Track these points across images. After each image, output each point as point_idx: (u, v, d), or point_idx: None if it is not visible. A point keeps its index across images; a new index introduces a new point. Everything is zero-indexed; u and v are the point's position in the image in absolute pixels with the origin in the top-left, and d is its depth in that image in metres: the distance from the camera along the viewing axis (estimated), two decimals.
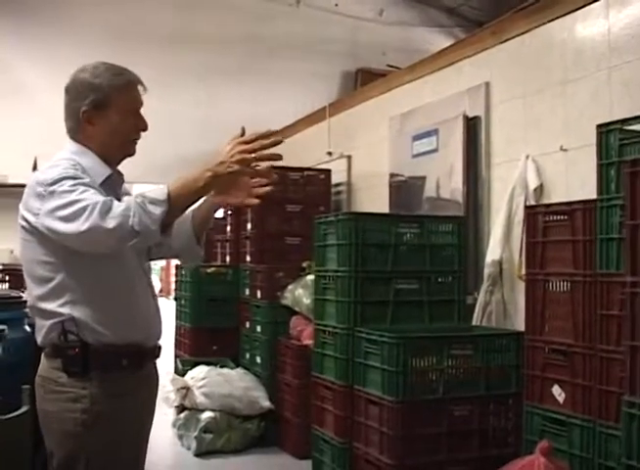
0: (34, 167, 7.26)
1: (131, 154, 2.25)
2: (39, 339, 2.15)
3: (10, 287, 4.79)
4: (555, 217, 3.13)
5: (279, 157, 2.00)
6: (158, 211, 1.88)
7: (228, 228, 6.35)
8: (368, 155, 5.87)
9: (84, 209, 1.88)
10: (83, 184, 1.97)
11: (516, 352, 3.46)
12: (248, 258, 5.81)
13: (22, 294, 4.14)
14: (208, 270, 6.09)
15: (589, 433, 2.88)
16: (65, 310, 2.06)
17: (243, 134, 2.00)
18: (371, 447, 3.42)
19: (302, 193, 5.89)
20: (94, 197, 1.91)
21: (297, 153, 6.91)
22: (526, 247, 3.26)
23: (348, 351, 3.64)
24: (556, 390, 3.07)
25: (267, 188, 2.14)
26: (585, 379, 2.91)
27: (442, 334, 3.57)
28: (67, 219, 1.91)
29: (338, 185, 6.17)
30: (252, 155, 1.95)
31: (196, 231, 2.30)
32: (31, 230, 2.05)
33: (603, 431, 2.80)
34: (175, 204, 1.92)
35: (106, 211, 1.86)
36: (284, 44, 7.80)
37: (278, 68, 7.85)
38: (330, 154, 6.35)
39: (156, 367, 2.40)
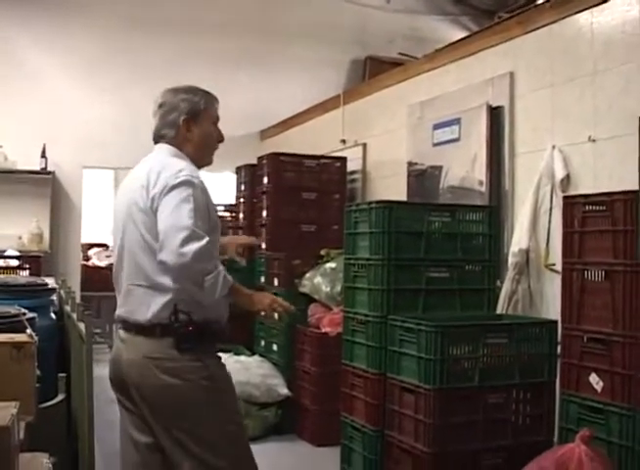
0: (43, 154, 7.24)
1: (211, 162, 2.70)
2: (147, 315, 2.40)
3: (31, 274, 4.77)
4: (594, 208, 3.15)
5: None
6: (226, 287, 2.36)
7: (241, 215, 6.34)
8: (384, 143, 5.87)
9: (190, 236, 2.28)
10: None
11: (549, 341, 3.49)
12: (263, 246, 5.80)
13: (47, 281, 4.13)
14: (222, 258, 6.06)
15: (629, 421, 2.91)
16: (179, 286, 2.33)
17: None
18: (405, 435, 3.44)
19: (318, 180, 5.89)
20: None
21: (310, 140, 6.92)
22: (563, 236, 3.27)
23: (381, 338, 3.65)
24: (593, 378, 3.10)
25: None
26: (625, 367, 2.94)
27: (478, 322, 3.59)
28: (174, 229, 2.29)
29: (352, 173, 6.17)
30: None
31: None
32: (155, 209, 2.37)
33: None
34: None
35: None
36: (293, 31, 7.78)
37: (287, 55, 7.83)
38: (344, 142, 6.34)
39: None
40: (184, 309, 2.37)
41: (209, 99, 2.65)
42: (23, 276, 4.70)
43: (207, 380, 2.42)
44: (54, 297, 4.24)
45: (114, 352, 2.59)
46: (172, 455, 2.45)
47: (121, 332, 2.54)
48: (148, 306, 2.40)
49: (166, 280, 2.36)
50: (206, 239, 2.28)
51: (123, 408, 2.59)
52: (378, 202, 3.82)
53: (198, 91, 2.64)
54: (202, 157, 2.64)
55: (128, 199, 2.49)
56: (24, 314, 3.13)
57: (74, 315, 3.65)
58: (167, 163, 2.48)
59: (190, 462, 2.43)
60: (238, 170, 6.63)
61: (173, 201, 2.33)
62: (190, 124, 2.59)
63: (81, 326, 3.20)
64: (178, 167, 2.43)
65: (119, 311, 2.55)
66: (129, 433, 2.56)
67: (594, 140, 3.83)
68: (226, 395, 2.53)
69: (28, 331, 2.85)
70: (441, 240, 3.84)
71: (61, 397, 3.34)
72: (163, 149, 2.59)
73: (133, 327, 2.46)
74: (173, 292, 2.36)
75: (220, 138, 2.68)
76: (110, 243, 10.19)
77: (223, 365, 2.54)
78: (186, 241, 2.24)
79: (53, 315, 4.06)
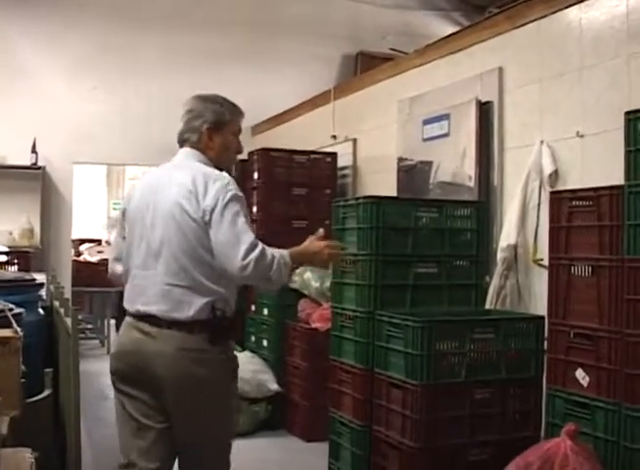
0: (33, 149, 7.22)
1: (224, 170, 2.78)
2: (188, 313, 2.53)
3: (19, 269, 4.76)
4: (580, 203, 3.15)
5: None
6: (288, 268, 2.57)
7: None
8: (375, 138, 5.86)
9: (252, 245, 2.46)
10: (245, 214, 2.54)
11: (536, 336, 3.49)
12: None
13: (36, 276, 4.12)
14: None
15: (614, 416, 2.91)
16: (222, 289, 2.56)
17: (325, 235, 2.78)
18: (392, 430, 3.45)
19: (308, 176, 5.90)
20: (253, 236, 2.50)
21: (301, 135, 6.91)
22: (550, 232, 3.28)
23: (369, 334, 3.66)
24: (579, 373, 3.10)
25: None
26: (611, 363, 2.94)
27: (465, 318, 3.59)
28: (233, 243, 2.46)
29: (342, 169, 6.17)
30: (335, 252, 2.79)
31: None
32: (206, 221, 2.50)
33: (629, 414, 2.83)
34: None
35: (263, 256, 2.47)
36: (285, 26, 7.76)
37: (278, 50, 7.82)
38: (334, 137, 6.34)
39: None
40: (220, 307, 2.56)
41: (235, 111, 2.78)
42: (11, 272, 4.69)
43: (230, 372, 2.65)
44: (42, 292, 4.23)
45: (130, 343, 2.62)
46: (190, 443, 2.61)
47: (144, 325, 2.57)
48: (189, 306, 2.53)
49: (209, 283, 2.54)
50: (260, 244, 2.48)
51: (128, 397, 2.63)
52: (365, 197, 3.83)
53: (224, 102, 2.77)
54: (220, 164, 2.75)
55: (168, 199, 2.56)
56: (11, 310, 3.13)
57: (62, 310, 3.65)
58: (207, 172, 2.60)
59: (205, 449, 2.62)
60: None
61: (227, 217, 2.48)
62: (212, 133, 2.72)
63: (68, 321, 3.20)
64: (224, 181, 2.56)
65: (147, 308, 2.57)
66: (135, 419, 2.61)
67: (582, 135, 3.83)
68: (236, 387, 2.76)
69: (14, 326, 2.84)
70: (429, 235, 3.83)
71: (47, 392, 3.35)
72: (193, 154, 2.72)
73: (164, 323, 2.54)
74: (214, 293, 2.55)
75: (239, 150, 2.83)
76: (102, 238, 10.19)
77: (237, 358, 2.71)
78: (247, 252, 2.43)
79: (41, 311, 4.05)
